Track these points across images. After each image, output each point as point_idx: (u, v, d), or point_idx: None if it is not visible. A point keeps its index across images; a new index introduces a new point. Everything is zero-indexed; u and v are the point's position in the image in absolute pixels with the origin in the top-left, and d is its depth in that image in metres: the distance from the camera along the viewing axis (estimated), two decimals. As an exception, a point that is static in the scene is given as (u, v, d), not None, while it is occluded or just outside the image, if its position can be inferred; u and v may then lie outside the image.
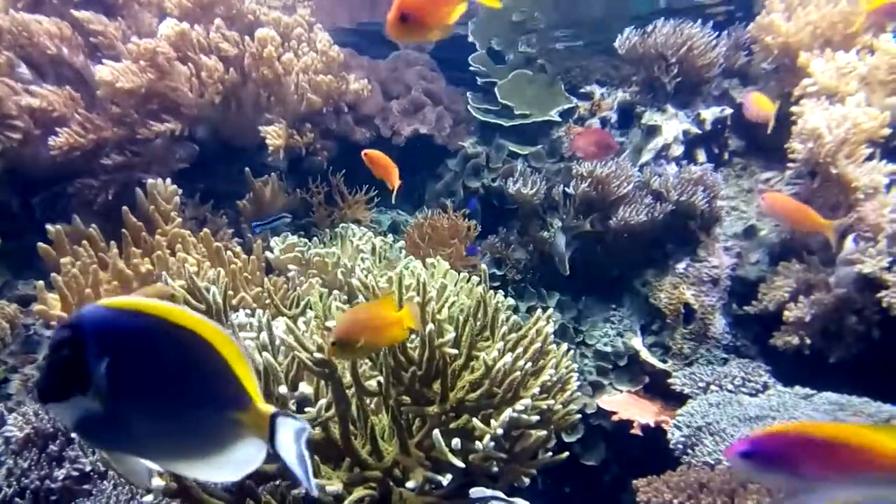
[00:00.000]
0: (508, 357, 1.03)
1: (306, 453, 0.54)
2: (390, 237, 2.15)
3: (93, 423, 0.52)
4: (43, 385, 0.52)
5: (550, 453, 1.15)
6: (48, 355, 0.52)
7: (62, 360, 0.51)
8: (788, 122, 1.93)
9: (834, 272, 1.69)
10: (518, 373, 1.03)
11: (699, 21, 2.29)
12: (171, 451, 0.56)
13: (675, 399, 1.78)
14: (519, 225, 2.27)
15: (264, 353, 1.03)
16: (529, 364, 1.06)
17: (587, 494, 1.88)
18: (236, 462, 0.55)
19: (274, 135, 2.09)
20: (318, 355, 1.02)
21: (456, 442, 1.00)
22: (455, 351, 1.06)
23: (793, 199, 1.66)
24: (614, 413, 1.79)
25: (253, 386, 0.55)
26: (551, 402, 1.10)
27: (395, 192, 1.63)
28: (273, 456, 0.55)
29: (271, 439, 0.55)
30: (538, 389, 1.08)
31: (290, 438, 0.54)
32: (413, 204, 2.63)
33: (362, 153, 1.67)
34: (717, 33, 2.27)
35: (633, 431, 1.73)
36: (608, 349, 1.96)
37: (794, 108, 1.89)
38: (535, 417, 1.04)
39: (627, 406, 1.80)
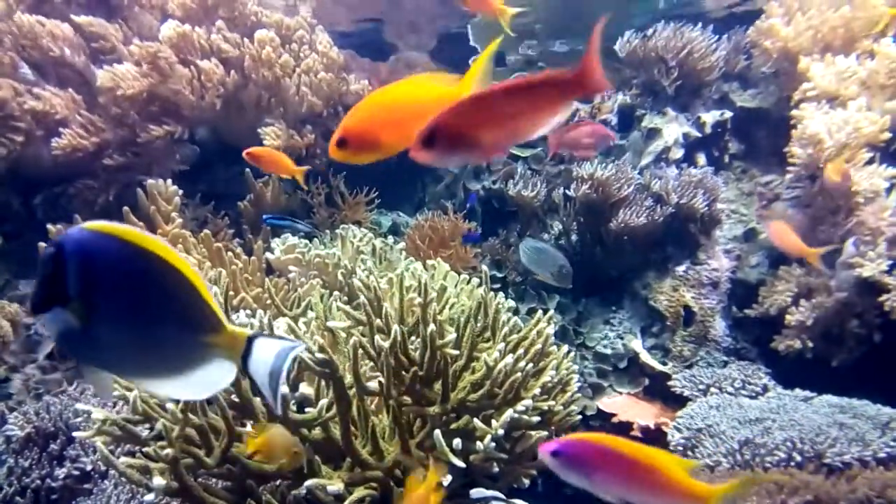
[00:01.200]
0: (509, 358, 1.03)
1: (284, 372, 0.56)
2: (391, 239, 2.15)
3: (72, 336, 0.55)
4: (33, 298, 0.55)
5: (551, 454, 1.15)
6: (39, 270, 0.55)
7: (46, 276, 0.54)
8: (788, 126, 1.94)
9: (834, 276, 1.69)
10: (519, 374, 1.03)
11: (699, 24, 2.30)
12: (143, 368, 0.59)
13: (674, 401, 1.78)
14: (519, 227, 2.27)
15: (266, 353, 1.03)
16: (530, 365, 1.06)
17: (587, 496, 1.88)
18: (205, 383, 0.58)
19: (272, 136, 2.09)
20: (319, 355, 1.02)
21: (457, 442, 1.00)
22: (456, 352, 1.06)
23: (790, 230, 1.76)
24: (614, 415, 1.79)
25: (221, 312, 0.58)
26: (552, 403, 1.10)
27: (300, 177, 1.54)
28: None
29: (245, 360, 0.57)
30: (539, 390, 1.09)
31: (267, 359, 0.57)
32: (413, 206, 2.63)
33: (244, 153, 1.53)
34: (717, 37, 2.28)
35: (633, 433, 1.73)
36: (608, 351, 1.97)
37: (794, 113, 1.89)
38: (536, 418, 1.05)
39: (627, 408, 1.80)
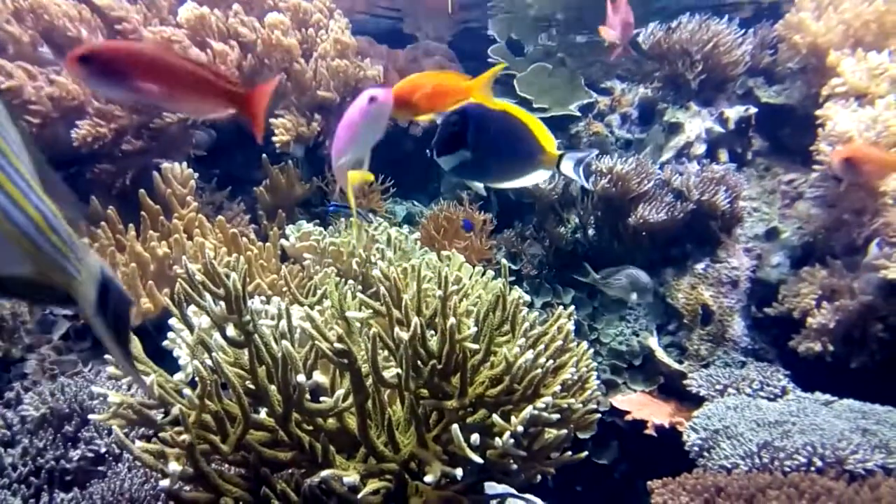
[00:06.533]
0: (530, 354, 1.01)
1: (581, 171, 1.07)
2: (406, 228, 2.13)
3: (464, 165, 0.97)
4: (439, 145, 0.98)
5: (570, 452, 1.13)
6: (444, 127, 0.97)
7: (453, 131, 0.96)
8: (813, 124, 1.89)
9: (858, 277, 1.66)
10: (539, 370, 1.01)
11: (725, 18, 2.25)
12: (503, 177, 1.09)
13: (689, 400, 1.76)
14: (535, 220, 2.25)
15: (283, 342, 1.02)
16: (551, 362, 1.04)
17: (598, 493, 1.87)
18: (533, 177, 1.07)
19: (282, 129, 2.07)
20: (338, 345, 1.01)
21: (475, 438, 0.98)
22: (476, 346, 1.04)
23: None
24: (628, 412, 1.77)
25: (548, 141, 1.01)
26: (571, 400, 1.08)
27: None
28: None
29: (557, 166, 1.06)
30: (559, 388, 1.07)
31: (570, 165, 1.04)
32: (429, 195, 2.61)
33: None
34: (743, 31, 2.23)
35: (646, 432, 1.71)
36: (623, 348, 1.95)
37: (820, 112, 1.85)
38: (556, 416, 1.03)
39: (642, 406, 1.78)
